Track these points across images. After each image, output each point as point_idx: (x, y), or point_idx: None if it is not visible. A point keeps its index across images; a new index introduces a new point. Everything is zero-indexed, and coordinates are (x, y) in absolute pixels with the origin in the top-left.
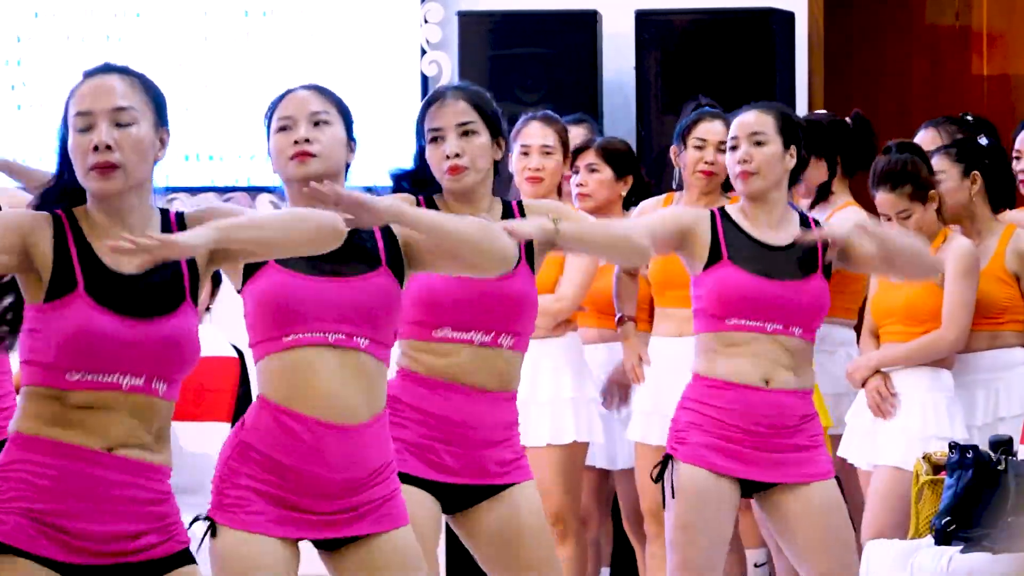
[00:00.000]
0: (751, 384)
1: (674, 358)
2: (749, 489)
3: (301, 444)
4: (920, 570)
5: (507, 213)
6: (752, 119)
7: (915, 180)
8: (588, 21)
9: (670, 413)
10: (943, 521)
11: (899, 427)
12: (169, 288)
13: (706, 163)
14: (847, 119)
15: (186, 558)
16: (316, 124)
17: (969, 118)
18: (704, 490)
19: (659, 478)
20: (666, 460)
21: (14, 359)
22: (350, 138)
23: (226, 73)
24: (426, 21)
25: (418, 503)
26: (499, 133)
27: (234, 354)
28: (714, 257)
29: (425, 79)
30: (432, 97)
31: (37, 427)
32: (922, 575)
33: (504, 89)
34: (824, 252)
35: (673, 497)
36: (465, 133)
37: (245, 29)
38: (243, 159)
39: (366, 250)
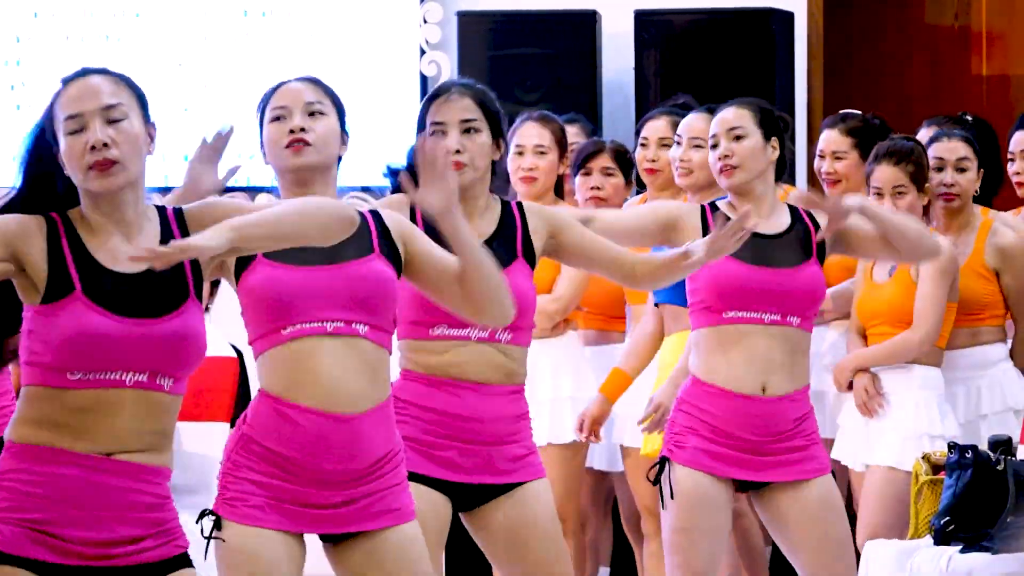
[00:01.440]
0: (748, 393)
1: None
2: (744, 487)
3: (302, 434)
4: (919, 570)
5: (506, 212)
6: (730, 115)
7: (918, 164)
8: (588, 21)
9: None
10: (942, 521)
11: (891, 426)
12: (172, 286)
13: (648, 161)
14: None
15: (183, 562)
16: (311, 114)
17: (968, 118)
18: (702, 493)
19: (656, 480)
20: (662, 462)
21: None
22: (343, 131)
23: (225, 73)
24: (425, 21)
25: (425, 502)
26: (500, 133)
27: (233, 354)
28: None
29: (424, 79)
30: (437, 91)
31: (34, 434)
32: (921, 575)
33: (503, 89)
34: (818, 237)
35: (672, 498)
36: (467, 130)
37: (244, 29)
38: (242, 159)
39: (358, 236)
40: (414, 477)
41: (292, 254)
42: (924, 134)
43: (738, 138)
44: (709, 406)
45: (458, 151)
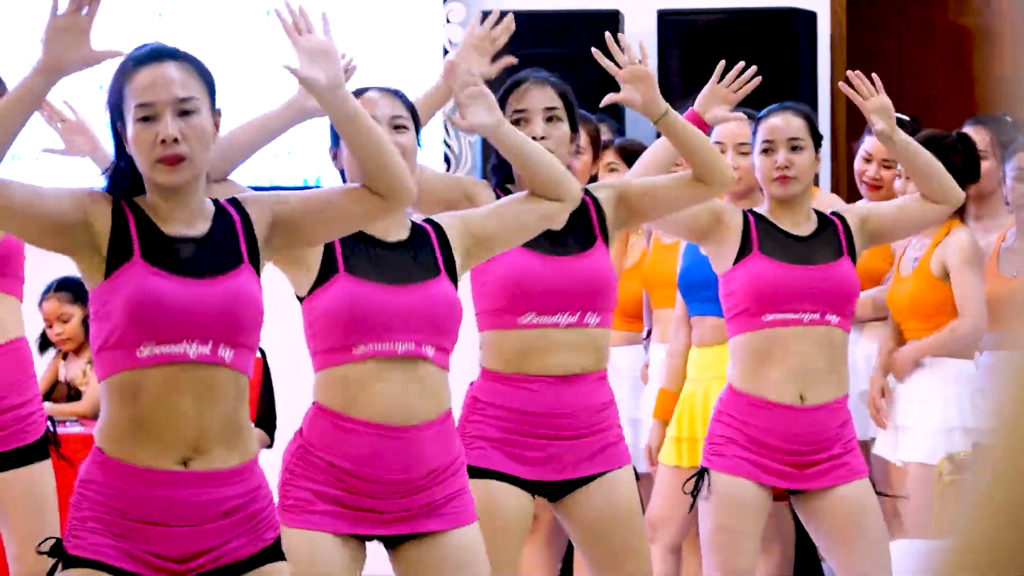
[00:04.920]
0: (788, 403)
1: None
2: (787, 490)
3: (360, 448)
4: None
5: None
6: (788, 124)
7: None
8: (610, 21)
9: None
10: None
11: (922, 421)
12: (226, 250)
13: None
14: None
15: (272, 554)
16: (396, 128)
17: (1009, 119)
18: (743, 494)
19: (694, 491)
20: (701, 474)
21: (40, 364)
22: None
23: (248, 72)
24: (448, 21)
25: (508, 500)
26: (576, 128)
27: (257, 355)
28: (744, 250)
29: None
30: (516, 81)
31: (114, 447)
32: None
33: None
34: (848, 237)
35: (710, 500)
36: (550, 119)
37: (267, 28)
38: (265, 158)
39: (425, 258)
40: (497, 476)
41: (372, 271)
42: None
43: (796, 148)
44: (748, 417)
45: (543, 137)
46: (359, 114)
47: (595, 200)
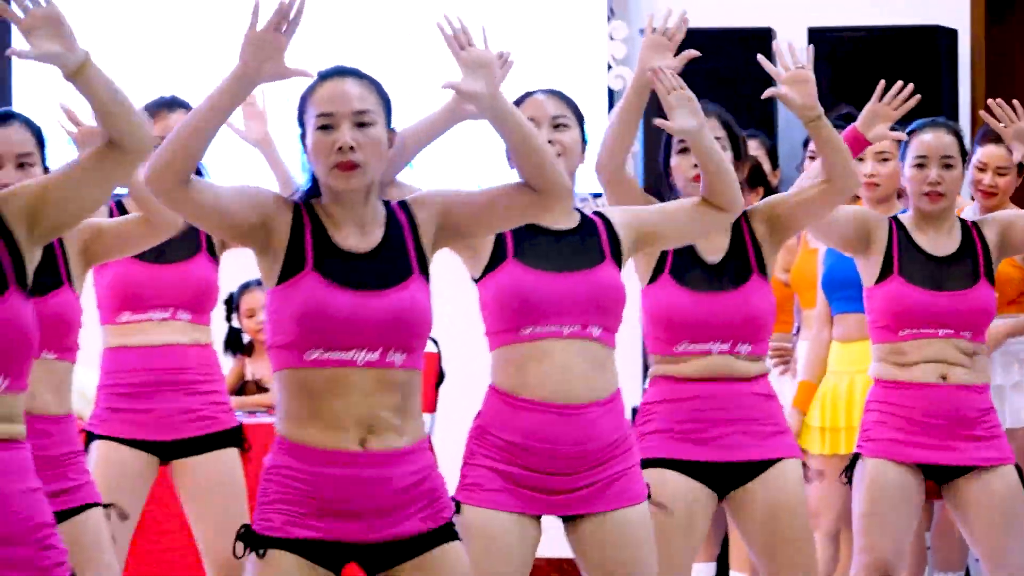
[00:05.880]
0: (929, 382)
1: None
2: (937, 480)
3: (534, 426)
4: None
5: (737, 225)
6: (943, 142)
7: None
8: (763, 38)
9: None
10: None
11: None
12: (397, 262)
13: (866, 176)
14: None
15: (448, 534)
16: (556, 127)
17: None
18: (891, 479)
19: (848, 479)
20: (854, 460)
21: (226, 363)
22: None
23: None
24: (612, 38)
25: (677, 488)
26: (738, 150)
27: (434, 349)
28: (886, 271)
29: (611, 92)
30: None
31: (294, 432)
32: None
33: None
34: (987, 260)
35: (859, 486)
36: (719, 137)
37: (437, 47)
38: (435, 158)
39: (592, 246)
40: (668, 464)
41: (541, 259)
42: None
43: (948, 166)
44: (893, 398)
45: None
46: (516, 119)
47: (751, 230)
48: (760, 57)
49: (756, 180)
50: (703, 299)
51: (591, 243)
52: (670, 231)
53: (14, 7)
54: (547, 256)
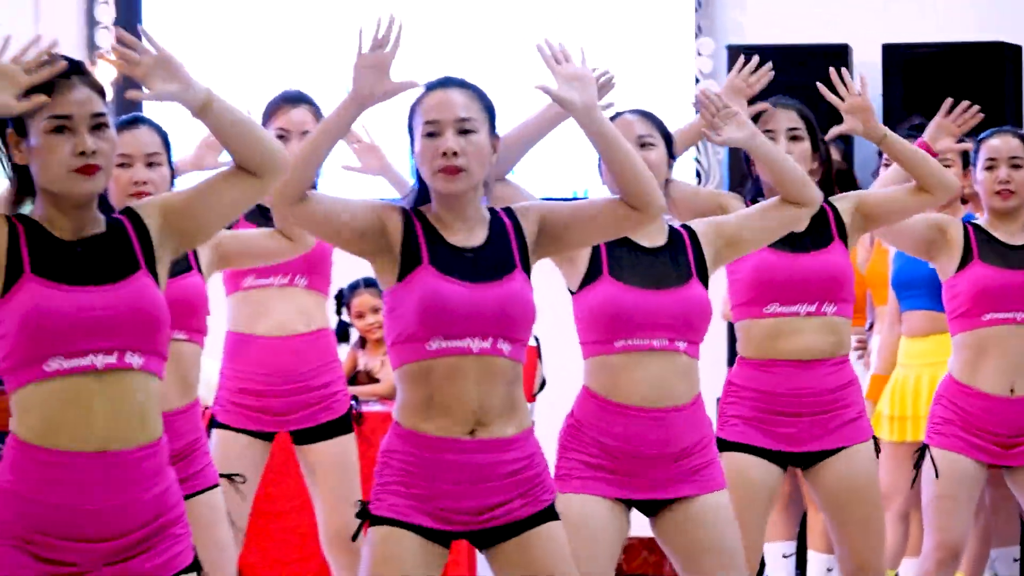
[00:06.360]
0: (998, 395)
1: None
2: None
3: (621, 428)
4: None
5: (822, 210)
6: (1010, 144)
7: None
8: (840, 54)
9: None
10: None
11: None
12: (502, 258)
13: (1000, 183)
14: None
15: (549, 514)
16: (643, 146)
17: None
18: (961, 467)
19: (916, 464)
20: (923, 450)
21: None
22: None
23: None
24: (699, 54)
25: (756, 470)
26: (817, 147)
27: (534, 343)
28: (966, 258)
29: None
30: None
31: (411, 421)
32: None
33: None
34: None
35: (936, 476)
36: (793, 138)
37: (531, 64)
38: (536, 168)
39: (681, 263)
40: (747, 449)
41: (633, 276)
42: None
43: (1016, 166)
44: (964, 404)
45: (788, 152)
46: (612, 133)
47: (834, 208)
48: (820, 86)
49: (845, 184)
50: (792, 259)
51: (680, 260)
52: (751, 234)
53: (125, 59)
54: (639, 274)
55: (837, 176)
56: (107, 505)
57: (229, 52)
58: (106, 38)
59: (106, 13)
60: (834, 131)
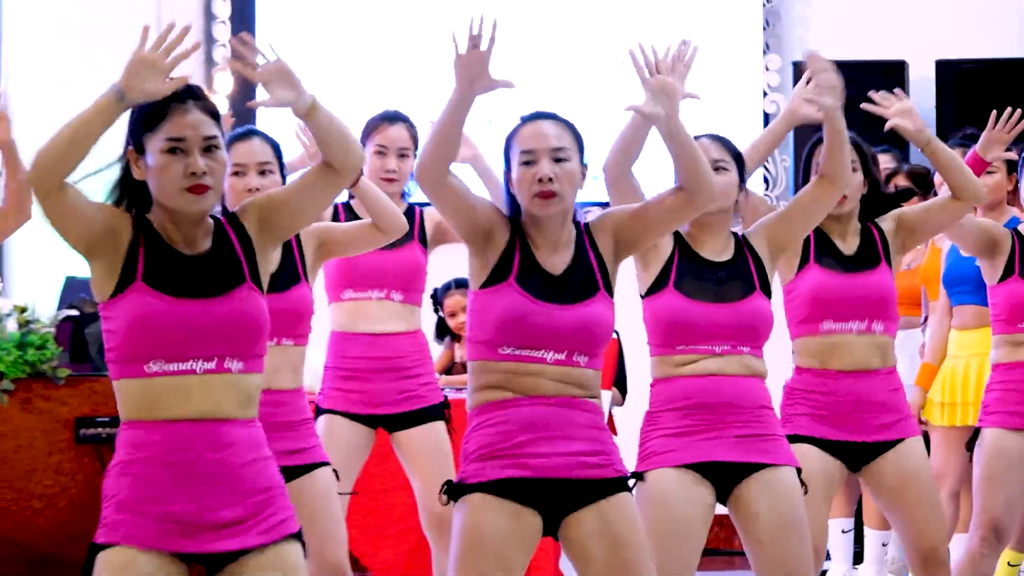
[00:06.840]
0: None
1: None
2: None
3: (692, 415)
4: None
5: (867, 230)
6: None
7: None
8: (897, 69)
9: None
10: None
11: None
12: (585, 279)
13: None
14: None
15: (622, 486)
16: (717, 170)
17: None
18: (1007, 446)
19: (970, 447)
20: (976, 433)
21: (435, 350)
22: (743, 182)
23: (578, 113)
24: (767, 69)
25: (816, 459)
26: (867, 170)
27: (614, 336)
28: (1008, 271)
29: (766, 115)
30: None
31: (488, 397)
32: None
33: None
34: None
35: (979, 454)
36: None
37: (608, 76)
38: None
39: (744, 277)
40: (811, 440)
41: (698, 289)
42: None
43: None
44: (1010, 378)
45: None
46: (686, 137)
47: (880, 230)
48: (864, 106)
49: (922, 186)
50: (844, 279)
51: (743, 274)
52: (792, 228)
53: (248, 64)
54: (703, 288)
55: (904, 189)
56: (208, 471)
57: (331, 49)
58: (223, 32)
59: (223, 9)
60: (890, 124)
